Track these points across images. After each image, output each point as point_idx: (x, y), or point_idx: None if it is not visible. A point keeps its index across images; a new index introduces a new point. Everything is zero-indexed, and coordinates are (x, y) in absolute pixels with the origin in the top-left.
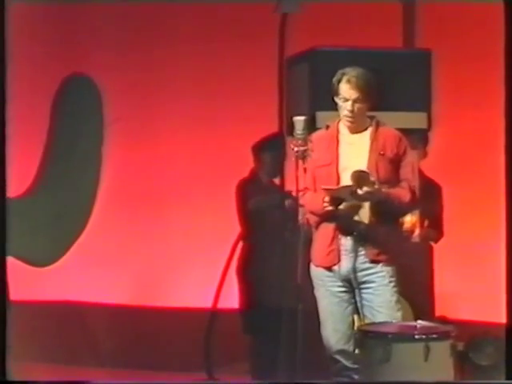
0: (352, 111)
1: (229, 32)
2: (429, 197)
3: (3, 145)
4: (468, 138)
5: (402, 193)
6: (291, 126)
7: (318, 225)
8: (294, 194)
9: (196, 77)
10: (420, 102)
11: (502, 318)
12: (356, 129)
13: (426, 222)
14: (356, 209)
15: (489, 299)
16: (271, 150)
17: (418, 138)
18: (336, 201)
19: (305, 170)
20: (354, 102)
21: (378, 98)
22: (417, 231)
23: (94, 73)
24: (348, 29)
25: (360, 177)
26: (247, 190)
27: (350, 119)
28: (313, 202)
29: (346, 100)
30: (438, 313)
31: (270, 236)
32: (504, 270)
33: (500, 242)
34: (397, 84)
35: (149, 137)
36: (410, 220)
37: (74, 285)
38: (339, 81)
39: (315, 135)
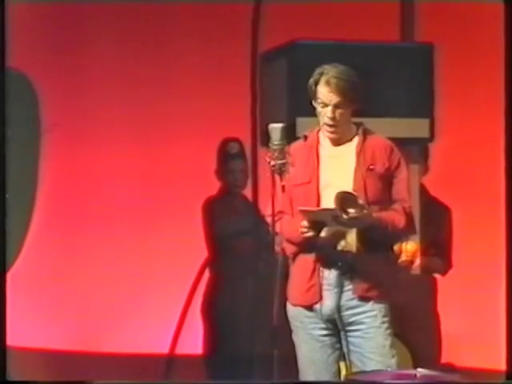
0: (333, 118)
1: (190, 26)
2: (434, 219)
3: (3, 145)
4: (478, 148)
5: (396, 217)
6: (266, 135)
7: (295, 256)
8: (269, 217)
9: (151, 78)
10: (421, 106)
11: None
12: (339, 139)
13: (430, 251)
14: (340, 236)
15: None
16: (240, 161)
17: (419, 150)
18: (316, 225)
19: (283, 188)
20: (335, 107)
21: (365, 101)
22: (417, 261)
23: (31, 71)
24: (335, 19)
25: (345, 199)
26: (215, 210)
27: (331, 128)
28: (289, 228)
29: (326, 105)
30: (442, 359)
31: (242, 267)
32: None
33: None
34: (393, 85)
35: (95, 147)
36: (409, 249)
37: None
38: (316, 82)
39: (292, 147)
